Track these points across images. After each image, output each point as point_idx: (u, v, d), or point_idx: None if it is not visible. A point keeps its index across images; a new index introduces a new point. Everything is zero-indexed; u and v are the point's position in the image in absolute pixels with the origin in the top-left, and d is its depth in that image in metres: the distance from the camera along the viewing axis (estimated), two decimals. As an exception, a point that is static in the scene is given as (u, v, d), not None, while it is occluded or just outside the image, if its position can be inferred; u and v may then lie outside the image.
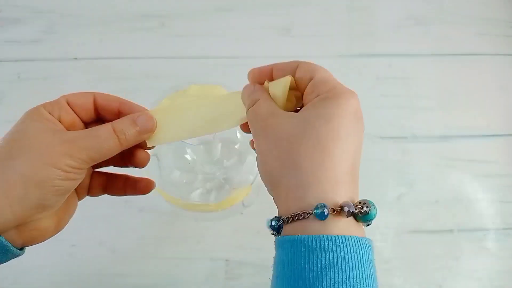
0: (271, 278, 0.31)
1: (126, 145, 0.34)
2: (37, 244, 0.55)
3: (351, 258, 0.26)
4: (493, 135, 0.62)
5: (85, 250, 0.55)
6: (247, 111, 0.34)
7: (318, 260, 0.26)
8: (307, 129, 0.29)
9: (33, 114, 0.32)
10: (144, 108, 0.37)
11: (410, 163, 0.60)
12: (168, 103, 0.43)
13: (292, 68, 0.33)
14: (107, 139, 0.32)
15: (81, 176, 0.33)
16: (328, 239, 0.26)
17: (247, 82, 0.36)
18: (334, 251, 0.26)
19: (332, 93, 0.30)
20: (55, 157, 0.30)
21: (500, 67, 0.66)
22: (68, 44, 0.65)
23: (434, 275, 0.56)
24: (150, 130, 0.35)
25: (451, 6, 0.68)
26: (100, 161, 0.33)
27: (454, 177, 0.60)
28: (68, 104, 0.34)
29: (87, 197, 0.56)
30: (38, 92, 0.62)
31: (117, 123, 0.34)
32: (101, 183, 0.39)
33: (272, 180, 0.31)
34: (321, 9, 0.68)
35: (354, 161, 0.30)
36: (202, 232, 0.56)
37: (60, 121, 0.33)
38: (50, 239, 0.57)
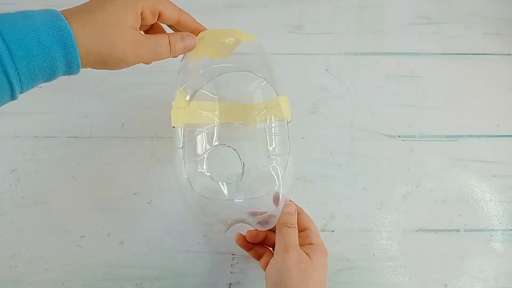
0: None
1: (173, 54, 0.44)
2: (46, 234, 0.56)
3: None
4: (502, 136, 0.62)
5: (93, 241, 0.56)
6: (281, 226, 0.46)
7: None
8: (314, 268, 0.44)
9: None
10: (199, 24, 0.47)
11: (418, 162, 0.60)
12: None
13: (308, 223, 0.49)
14: (163, 46, 0.42)
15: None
16: None
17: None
18: None
19: (321, 247, 0.46)
20: (128, 55, 0.39)
21: (510, 68, 0.65)
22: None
23: (440, 274, 0.56)
24: (192, 47, 0.46)
25: (462, 5, 0.68)
26: (150, 61, 0.43)
27: (462, 177, 0.60)
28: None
29: (95, 188, 0.58)
30: (50, 83, 0.63)
31: (172, 35, 0.44)
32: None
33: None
34: (331, 7, 0.68)
35: None
36: (209, 226, 0.57)
37: (142, 13, 0.41)
38: (58, 231, 0.57)
